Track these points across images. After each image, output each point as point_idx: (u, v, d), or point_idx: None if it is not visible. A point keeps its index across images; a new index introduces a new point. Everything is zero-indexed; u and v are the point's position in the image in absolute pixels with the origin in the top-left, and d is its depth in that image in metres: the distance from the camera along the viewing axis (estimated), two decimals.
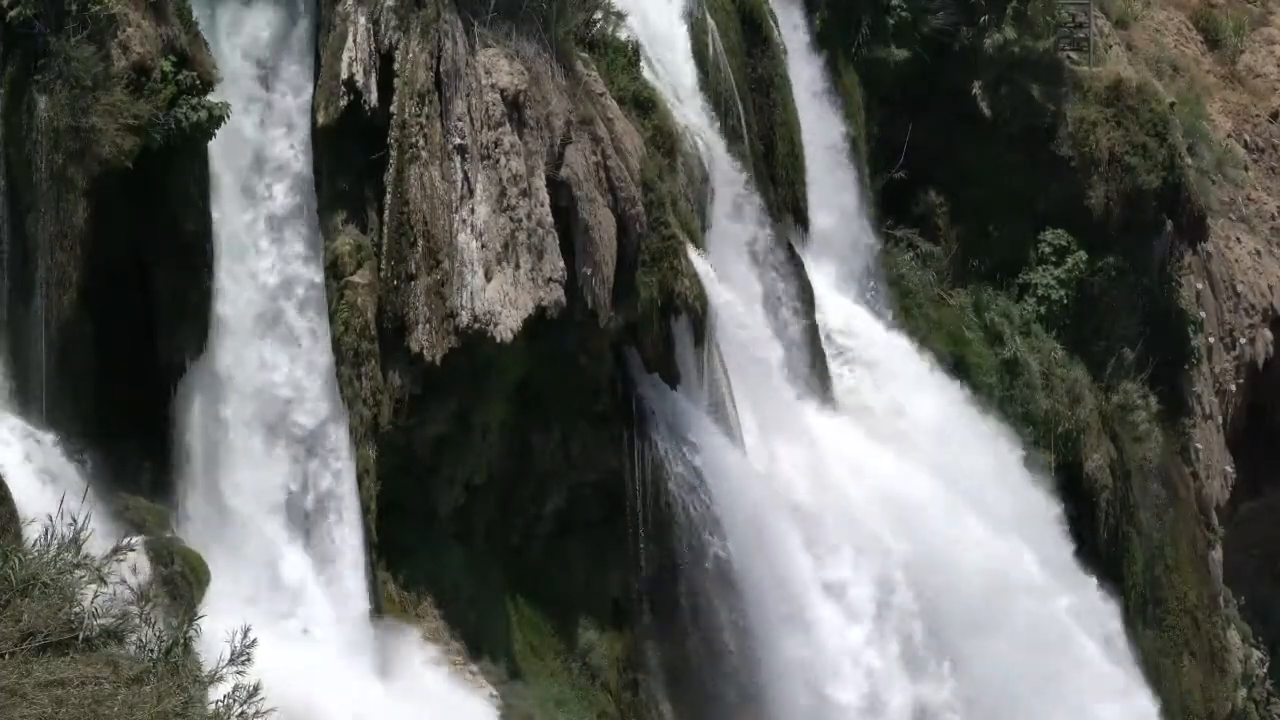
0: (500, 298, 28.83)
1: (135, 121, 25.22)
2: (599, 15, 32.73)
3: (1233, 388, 47.60)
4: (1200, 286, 46.29)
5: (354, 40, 28.32)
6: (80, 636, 11.90)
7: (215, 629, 13.36)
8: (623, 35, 33.40)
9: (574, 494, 31.94)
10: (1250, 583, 49.36)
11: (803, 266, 36.85)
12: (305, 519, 28.12)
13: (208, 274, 26.69)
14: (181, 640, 12.41)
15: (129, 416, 26.15)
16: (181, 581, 24.95)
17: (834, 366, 37.55)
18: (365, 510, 28.49)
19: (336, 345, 28.42)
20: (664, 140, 33.60)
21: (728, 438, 33.21)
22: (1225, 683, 45.42)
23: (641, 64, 33.89)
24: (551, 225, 29.57)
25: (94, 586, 12.27)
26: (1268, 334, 48.38)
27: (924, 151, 41.16)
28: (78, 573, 12.05)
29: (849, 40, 40.38)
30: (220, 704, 11.68)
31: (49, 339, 24.99)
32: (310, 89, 28.38)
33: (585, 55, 31.94)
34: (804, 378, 36.33)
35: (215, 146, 26.61)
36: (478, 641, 30.32)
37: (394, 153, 28.53)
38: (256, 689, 11.47)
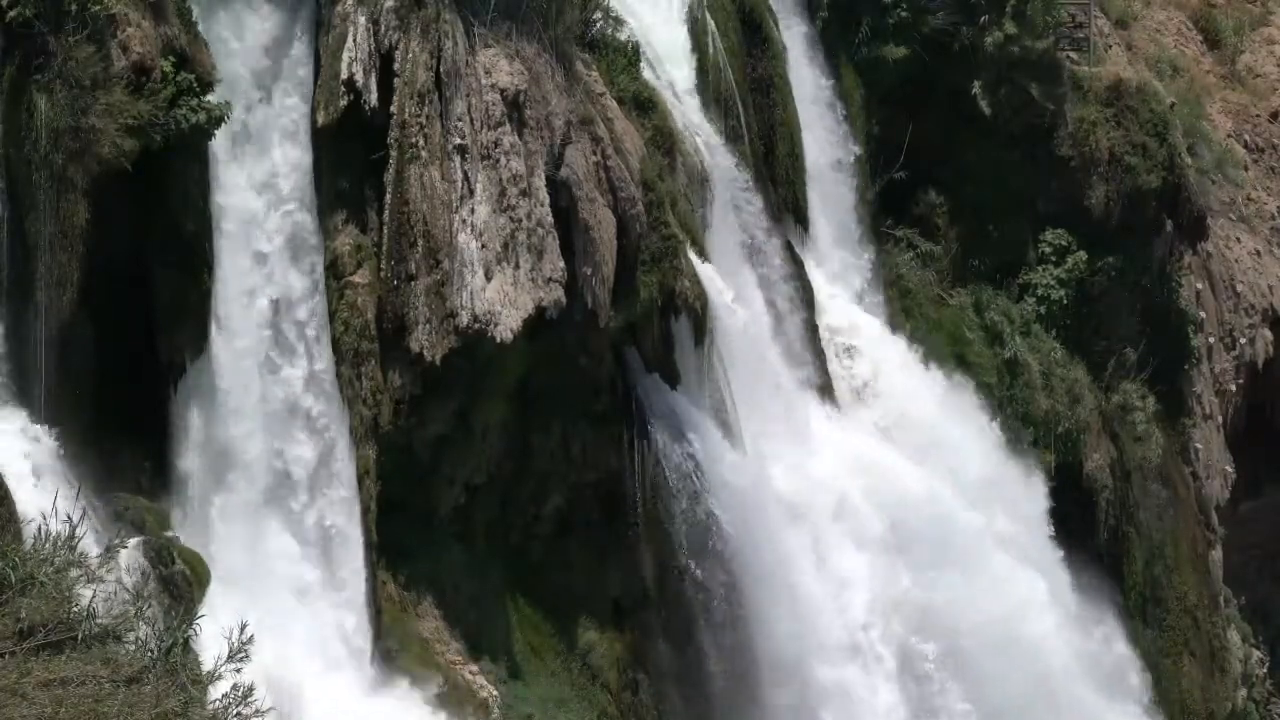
0: (500, 298, 28.84)
1: (135, 122, 25.22)
2: (599, 16, 32.75)
3: (1233, 388, 47.57)
4: (1200, 286, 46.27)
5: (354, 40, 28.33)
6: (79, 635, 11.90)
7: (214, 628, 13.36)
8: (623, 35, 33.42)
9: (574, 494, 31.95)
10: (1250, 583, 49.33)
11: (803, 266, 36.87)
12: (305, 519, 28.10)
13: (208, 274, 26.69)
14: (180, 640, 12.41)
15: (129, 416, 26.15)
16: (181, 581, 24.95)
17: (834, 366, 37.55)
18: (365, 510, 28.49)
19: (336, 345, 28.42)
20: (664, 140, 33.62)
21: (728, 438, 33.22)
22: (1225, 683, 45.42)
23: (641, 64, 33.91)
24: (551, 225, 29.58)
25: (92, 586, 12.27)
26: (1268, 334, 48.35)
27: (924, 151, 41.14)
28: (74, 572, 12.06)
29: (849, 40, 40.38)
30: (219, 703, 11.68)
31: (49, 339, 24.97)
32: (310, 89, 28.37)
33: (585, 55, 31.96)
34: (804, 377, 36.34)
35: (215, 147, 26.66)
36: (478, 641, 30.33)
37: (394, 153, 28.54)
38: (251, 689, 11.47)
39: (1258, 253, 49.00)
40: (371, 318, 28.64)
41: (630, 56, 33.40)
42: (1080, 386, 42.28)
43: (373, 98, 28.39)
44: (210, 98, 26.05)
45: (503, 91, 29.47)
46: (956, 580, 36.16)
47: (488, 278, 28.80)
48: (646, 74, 34.05)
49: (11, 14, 24.62)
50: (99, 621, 12.04)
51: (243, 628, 11.70)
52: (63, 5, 24.74)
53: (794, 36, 39.22)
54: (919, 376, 39.27)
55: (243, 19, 27.86)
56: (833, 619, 33.95)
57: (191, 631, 13.00)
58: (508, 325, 28.83)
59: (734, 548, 32.46)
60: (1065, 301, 42.46)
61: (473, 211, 28.91)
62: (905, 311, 40.80)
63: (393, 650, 28.73)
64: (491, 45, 29.74)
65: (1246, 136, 50.45)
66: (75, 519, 12.65)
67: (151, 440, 26.59)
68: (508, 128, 29.43)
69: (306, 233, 28.35)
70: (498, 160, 29.25)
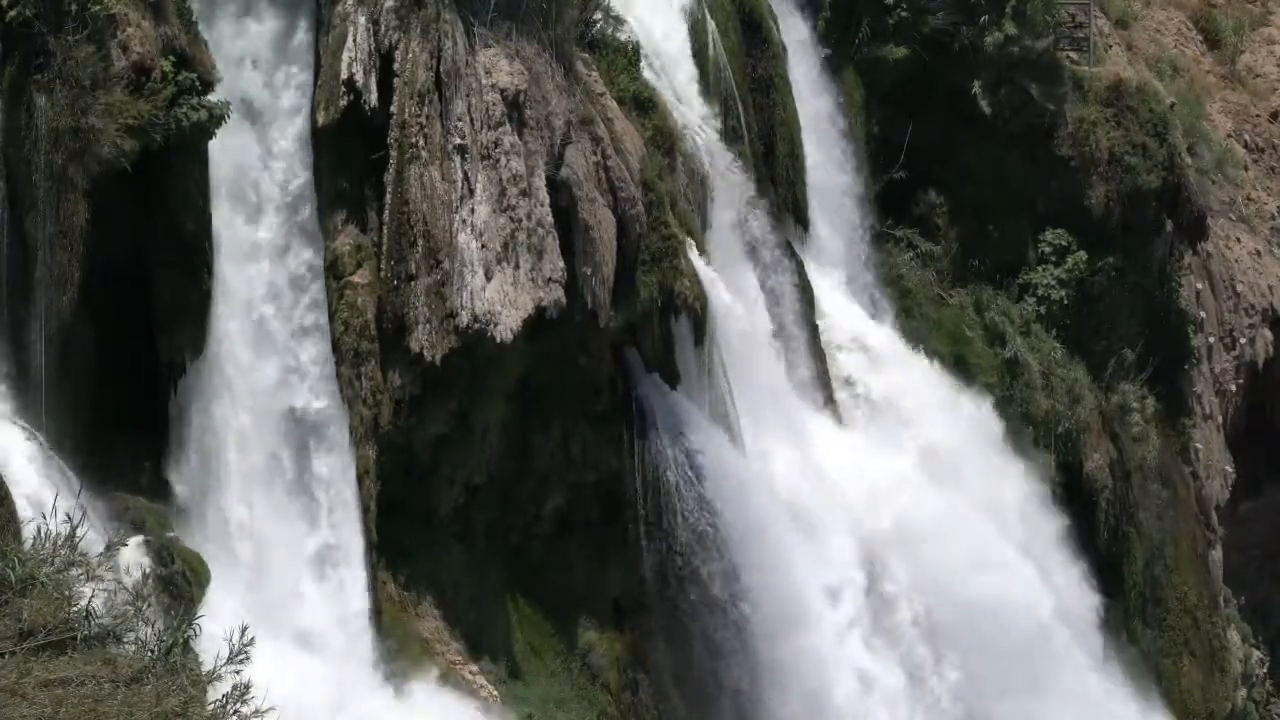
0: (500, 298, 28.84)
1: (135, 121, 25.20)
2: (599, 16, 32.75)
3: (1233, 388, 47.58)
4: (1200, 286, 46.28)
5: (354, 40, 28.33)
6: (79, 636, 11.90)
7: (215, 629, 13.36)
8: (623, 35, 33.42)
9: (574, 494, 31.95)
10: (1250, 583, 49.34)
11: (803, 266, 36.86)
12: (305, 519, 28.10)
13: (208, 274, 26.67)
14: (180, 640, 12.41)
15: (129, 416, 26.14)
16: (181, 581, 24.95)
17: (833, 366, 37.54)
18: (365, 510, 28.48)
19: (336, 345, 28.42)
20: (664, 140, 33.61)
21: (728, 438, 33.21)
22: (1225, 683, 45.42)
23: (641, 64, 33.91)
24: (551, 225, 29.57)
25: (91, 585, 12.26)
26: (1268, 334, 48.36)
27: (924, 151, 41.15)
28: (74, 571, 12.05)
29: (849, 40, 40.39)
30: (218, 704, 11.67)
31: (49, 339, 24.97)
32: (310, 89, 28.36)
33: (585, 55, 31.95)
34: (803, 377, 36.33)
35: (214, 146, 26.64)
36: (478, 641, 30.32)
37: (394, 153, 28.53)
38: (248, 687, 11.46)
39: (1258, 253, 49.01)
40: (371, 318, 28.64)
41: (630, 56, 33.40)
42: (1080, 386, 42.28)
43: (373, 98, 28.39)
44: (211, 97, 26.03)
45: (503, 91, 29.46)
46: (956, 582, 36.14)
47: (488, 278, 28.80)
48: (646, 74, 34.04)
49: (11, 14, 24.61)
50: (99, 621, 12.03)
51: (243, 629, 11.70)
52: (63, 5, 24.73)
53: (794, 36, 39.21)
54: (919, 376, 39.24)
55: (242, 19, 27.86)
56: (830, 619, 33.92)
57: (191, 632, 12.99)
58: (508, 325, 28.82)
59: (733, 547, 32.44)
60: (1065, 301, 42.47)
61: (473, 211, 28.91)
62: (905, 311, 40.81)
63: (393, 650, 28.72)
64: (491, 45, 29.74)
65: (1246, 136, 50.46)
66: (75, 519, 12.65)
67: (151, 440, 26.58)
68: (508, 128, 29.42)
69: (306, 233, 28.35)
70: (498, 160, 29.24)
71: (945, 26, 41.14)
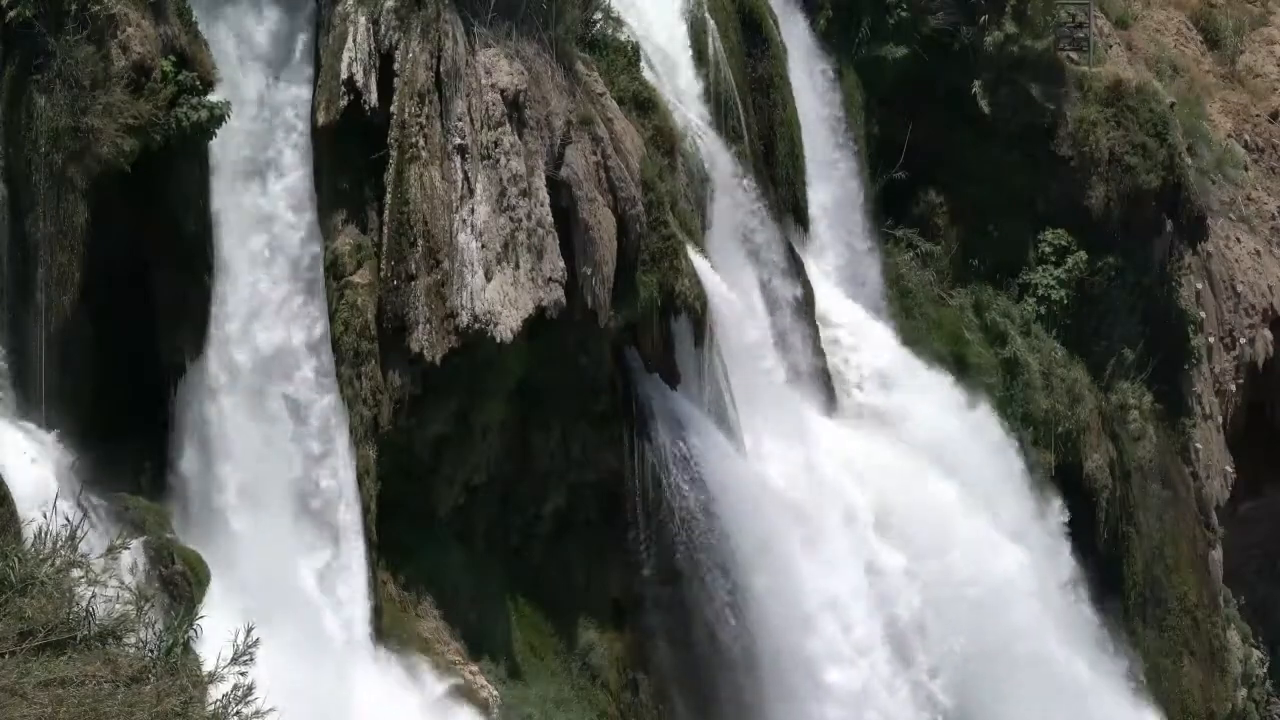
0: (500, 298, 28.83)
1: (135, 121, 25.18)
2: (599, 16, 32.75)
3: (1233, 388, 47.59)
4: (1200, 286, 46.28)
5: (354, 40, 28.32)
6: (79, 636, 11.89)
7: (214, 629, 13.35)
8: (623, 35, 33.42)
9: (574, 494, 31.95)
10: (1250, 583, 49.36)
11: (803, 266, 36.87)
12: (305, 519, 28.09)
13: (208, 274, 26.66)
14: (181, 640, 12.41)
15: (129, 416, 26.14)
16: (181, 581, 24.94)
17: (833, 366, 37.54)
18: (365, 510, 28.48)
19: (336, 345, 28.41)
20: (664, 140, 33.60)
21: (728, 438, 33.21)
22: (1225, 683, 45.43)
23: (641, 64, 33.91)
24: (551, 225, 29.57)
25: (93, 586, 12.26)
26: (1268, 334, 48.38)
27: (924, 151, 41.16)
28: (74, 572, 12.05)
29: (849, 40, 40.40)
30: (219, 704, 11.67)
31: (49, 339, 24.96)
32: (310, 89, 28.35)
33: (585, 55, 31.95)
34: (803, 377, 36.33)
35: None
36: (478, 641, 30.32)
37: (394, 153, 28.53)
38: (251, 688, 11.46)
39: (1258, 253, 49.02)
40: (371, 318, 28.63)
41: (630, 56, 33.40)
42: (1080, 386, 42.31)
43: (373, 98, 28.38)
44: (211, 96, 26.02)
45: (503, 91, 29.46)
46: (956, 582, 36.15)
47: (488, 278, 28.80)
48: (646, 74, 34.04)
49: (11, 14, 24.61)
50: (99, 622, 12.03)
51: (249, 630, 11.69)
52: (63, 5, 24.73)
53: (794, 36, 39.21)
54: (918, 377, 39.24)
55: (243, 19, 27.84)
56: (830, 619, 33.92)
57: (191, 632, 12.99)
58: (508, 325, 28.82)
59: (733, 547, 32.44)
60: (1065, 301, 42.49)
61: (473, 211, 28.91)
62: (905, 311, 40.82)
63: (392, 650, 28.72)
64: (491, 45, 29.73)
65: (1246, 136, 50.48)
66: (76, 519, 12.64)
67: (151, 440, 26.58)
68: (508, 128, 29.42)
69: (306, 233, 28.34)
70: (498, 160, 29.24)
71: (945, 26, 41.16)
